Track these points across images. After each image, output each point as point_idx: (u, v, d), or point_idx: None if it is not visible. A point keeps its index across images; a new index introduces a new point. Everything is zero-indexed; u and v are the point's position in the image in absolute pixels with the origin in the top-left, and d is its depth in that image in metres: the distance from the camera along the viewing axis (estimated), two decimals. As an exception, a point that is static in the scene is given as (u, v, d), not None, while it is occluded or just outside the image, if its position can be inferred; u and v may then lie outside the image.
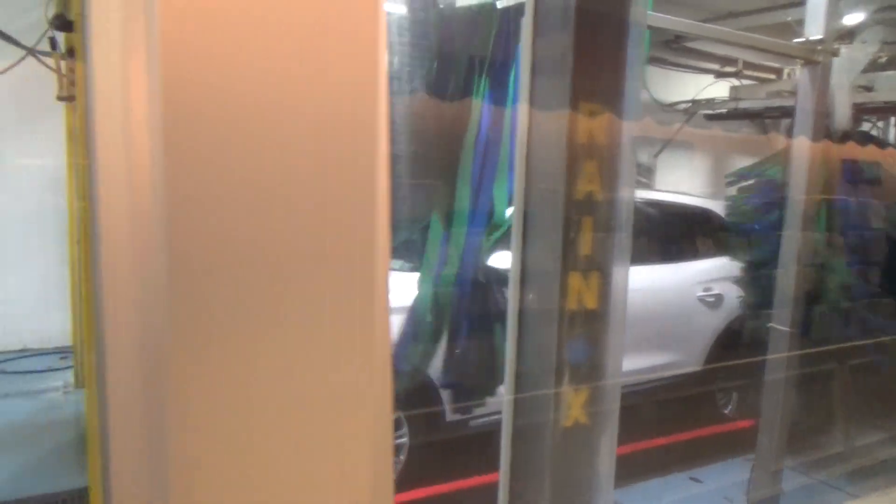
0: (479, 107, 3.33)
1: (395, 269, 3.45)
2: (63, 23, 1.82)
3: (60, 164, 4.86)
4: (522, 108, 1.59)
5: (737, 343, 4.60)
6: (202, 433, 0.61)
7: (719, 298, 4.51)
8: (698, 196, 5.38)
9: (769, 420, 3.17)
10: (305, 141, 0.61)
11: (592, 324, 1.57)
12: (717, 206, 4.92)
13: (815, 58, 2.83)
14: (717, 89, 6.86)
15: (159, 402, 0.62)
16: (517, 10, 3.21)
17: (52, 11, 3.83)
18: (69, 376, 4.80)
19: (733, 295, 4.52)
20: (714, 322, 4.52)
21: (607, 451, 1.61)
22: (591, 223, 1.53)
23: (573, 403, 1.57)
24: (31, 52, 3.97)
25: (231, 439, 0.61)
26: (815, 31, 2.85)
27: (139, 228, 0.63)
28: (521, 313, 1.64)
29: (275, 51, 0.59)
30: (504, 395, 1.71)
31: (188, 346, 0.60)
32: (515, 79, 3.30)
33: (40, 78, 4.52)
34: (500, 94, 3.33)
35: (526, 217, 1.61)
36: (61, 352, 5.35)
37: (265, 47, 0.59)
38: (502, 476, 1.72)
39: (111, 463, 0.65)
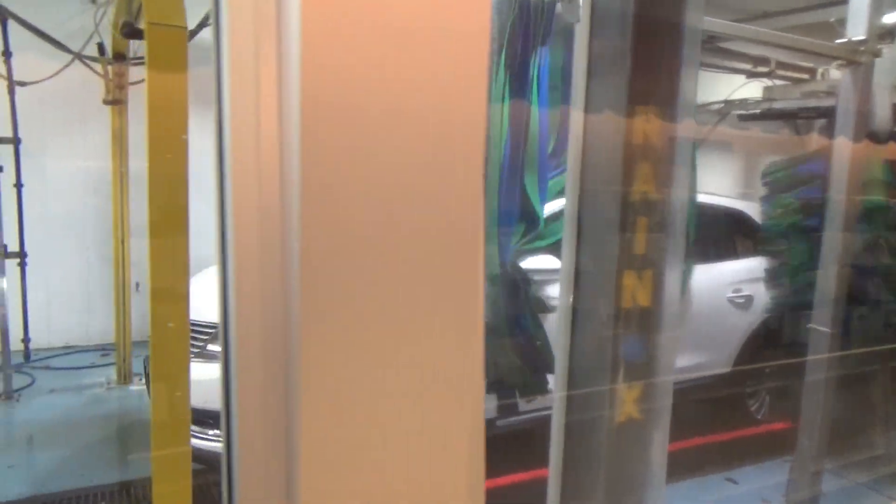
0: (502, 104, 3.34)
1: None
2: (132, 30, 1.89)
3: (105, 166, 5.00)
4: (577, 110, 1.63)
5: (767, 345, 4.58)
6: (331, 422, 0.66)
7: (749, 300, 4.49)
8: (729, 197, 5.36)
9: (809, 421, 3.16)
10: (422, 143, 0.66)
11: (646, 321, 1.60)
12: (748, 207, 4.90)
13: (858, 58, 2.82)
14: (748, 89, 6.81)
15: (290, 395, 0.67)
16: (537, 4, 3.22)
17: (102, 17, 3.95)
18: (111, 373, 4.93)
19: (764, 296, 4.50)
20: (744, 324, 4.50)
21: (659, 446, 1.64)
22: (646, 223, 1.56)
23: (626, 400, 1.61)
24: (79, 57, 4.10)
25: (355, 427, 0.67)
26: (857, 31, 2.84)
27: (267, 225, 0.68)
28: (574, 311, 1.68)
29: (399, 59, 0.64)
30: (555, 391, 1.75)
31: (318, 339, 0.64)
32: (538, 74, 3.30)
33: (86, 83, 4.66)
34: (522, 89, 3.33)
35: (579, 217, 1.65)
36: (102, 349, 5.50)
37: (390, 56, 0.64)
38: (552, 471, 1.75)
39: (239, 456, 0.70)
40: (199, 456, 3.00)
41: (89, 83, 4.75)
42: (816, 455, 3.09)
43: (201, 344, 3.19)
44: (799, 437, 3.16)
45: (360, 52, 0.63)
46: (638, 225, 1.56)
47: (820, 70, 7.19)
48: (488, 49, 0.70)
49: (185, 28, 1.85)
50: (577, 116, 1.63)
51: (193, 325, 3.20)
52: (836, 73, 5.86)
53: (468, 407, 0.75)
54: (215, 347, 3.11)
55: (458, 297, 0.72)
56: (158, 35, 1.82)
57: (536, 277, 3.37)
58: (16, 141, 4.31)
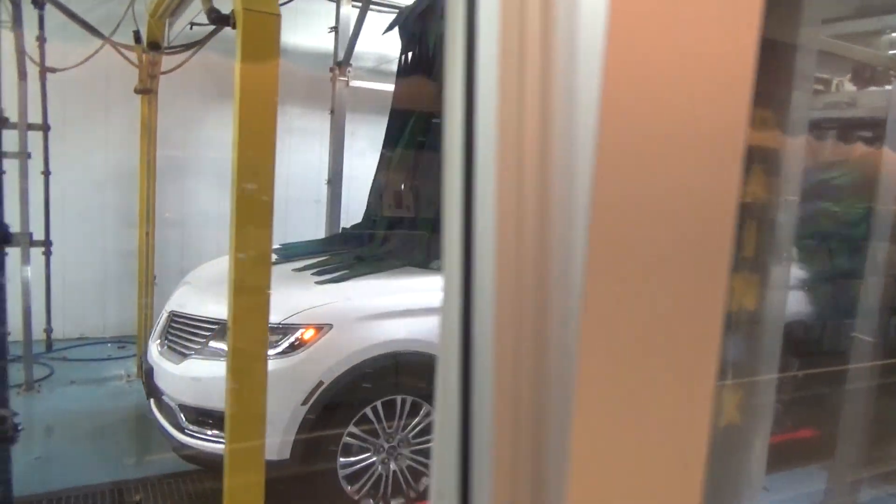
0: None
1: (436, 269, 3.44)
2: (219, 17, 1.84)
3: (126, 157, 4.94)
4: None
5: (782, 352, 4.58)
6: (603, 427, 0.65)
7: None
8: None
9: (848, 430, 3.18)
10: (711, 155, 0.65)
11: (751, 324, 1.60)
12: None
13: (913, 69, 2.85)
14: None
15: (547, 399, 0.65)
16: None
17: (132, 3, 3.90)
18: (130, 365, 4.87)
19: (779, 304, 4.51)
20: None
21: (759, 449, 1.64)
22: (755, 226, 1.56)
23: (728, 402, 1.60)
24: (113, 44, 4.05)
25: (625, 432, 0.66)
26: (910, 43, 2.86)
27: (530, 230, 0.67)
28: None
29: (681, 67, 0.63)
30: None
31: (596, 344, 0.63)
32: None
33: (110, 71, 4.61)
34: None
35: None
36: (118, 341, 5.43)
37: (675, 59, 0.63)
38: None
39: (492, 461, 0.68)
40: (197, 457, 2.88)
41: (114, 71, 4.70)
42: (855, 463, 3.12)
43: (203, 340, 3.04)
44: (838, 445, 3.18)
45: (649, 56, 0.62)
46: (747, 227, 1.56)
47: (835, 81, 7.26)
48: (753, 66, 0.69)
49: (279, 15, 1.82)
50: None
51: (196, 320, 3.13)
52: (849, 85, 5.91)
53: (707, 410, 0.74)
54: (218, 345, 2.95)
55: (716, 308, 0.71)
56: (252, 22, 1.79)
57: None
58: (45, 128, 4.24)
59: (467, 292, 0.73)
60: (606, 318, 0.64)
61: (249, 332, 1.93)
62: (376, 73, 5.69)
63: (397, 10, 5.10)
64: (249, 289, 1.91)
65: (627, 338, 0.65)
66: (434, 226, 3.83)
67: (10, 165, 4.11)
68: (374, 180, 4.42)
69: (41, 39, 4.11)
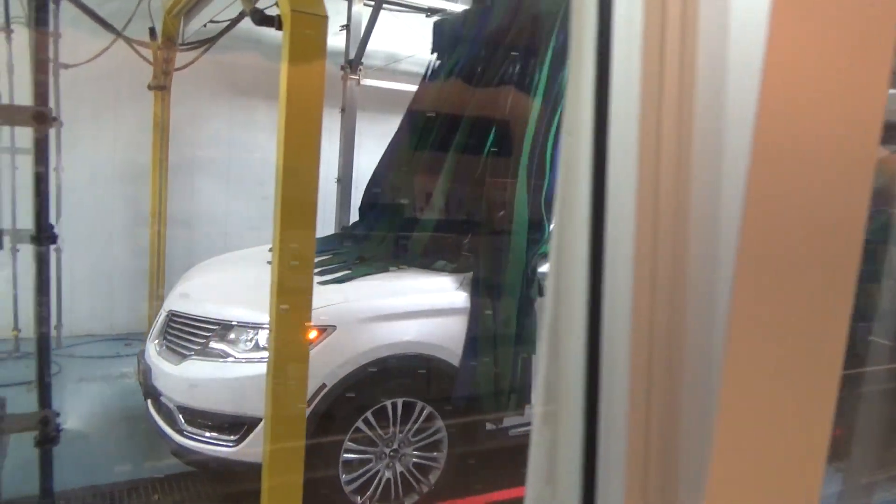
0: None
1: (439, 270, 3.43)
2: (263, 18, 1.83)
3: (134, 155, 4.90)
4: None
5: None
6: (745, 426, 0.65)
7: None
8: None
9: (863, 431, 3.21)
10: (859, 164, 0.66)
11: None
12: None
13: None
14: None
15: (699, 409, 0.66)
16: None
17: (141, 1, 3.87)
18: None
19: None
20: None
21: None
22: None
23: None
24: (126, 39, 4.02)
25: (768, 433, 0.66)
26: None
27: (667, 240, 0.67)
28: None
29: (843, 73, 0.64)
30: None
31: (742, 357, 0.64)
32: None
33: (119, 68, 4.57)
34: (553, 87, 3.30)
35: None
36: (125, 338, 5.39)
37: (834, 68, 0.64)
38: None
39: (624, 469, 0.69)
40: (196, 461, 2.85)
41: (125, 67, 4.66)
42: (871, 465, 3.14)
43: (203, 341, 2.99)
44: (853, 447, 3.20)
45: (807, 72, 0.62)
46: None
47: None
48: (886, 87, 0.70)
49: (326, 17, 1.82)
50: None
51: (196, 319, 3.09)
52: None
53: (831, 413, 0.75)
54: (218, 345, 2.93)
55: (838, 308, 0.72)
56: (300, 23, 1.78)
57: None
58: (58, 124, 4.21)
59: (596, 298, 0.73)
60: (754, 327, 0.64)
61: (291, 333, 1.93)
62: (387, 73, 5.67)
63: (411, 9, 5.10)
64: (291, 290, 1.90)
65: (773, 347, 0.65)
66: (440, 226, 3.81)
67: (22, 161, 4.08)
68: (371, 179, 4.35)
69: (55, 35, 4.08)
